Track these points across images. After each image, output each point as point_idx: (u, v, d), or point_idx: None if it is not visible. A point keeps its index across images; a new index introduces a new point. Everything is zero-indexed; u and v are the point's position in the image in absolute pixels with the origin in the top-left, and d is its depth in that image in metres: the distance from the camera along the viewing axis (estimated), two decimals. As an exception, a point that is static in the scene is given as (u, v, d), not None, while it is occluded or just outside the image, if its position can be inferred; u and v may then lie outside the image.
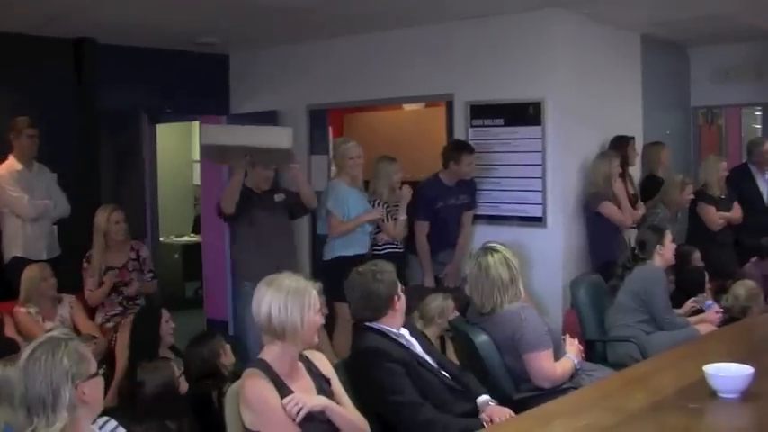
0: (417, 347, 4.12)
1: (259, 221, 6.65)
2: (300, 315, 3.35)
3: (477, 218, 7.56)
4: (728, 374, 3.49)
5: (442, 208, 7.26)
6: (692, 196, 7.67)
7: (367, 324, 4.04)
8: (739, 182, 8.24)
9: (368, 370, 3.89)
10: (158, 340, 5.26)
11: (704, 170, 8.09)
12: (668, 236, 6.03)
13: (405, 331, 4.14)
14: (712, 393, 3.48)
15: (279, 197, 6.82)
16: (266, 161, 6.62)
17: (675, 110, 9.50)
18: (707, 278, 6.74)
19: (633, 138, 7.84)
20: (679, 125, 9.58)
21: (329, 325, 6.48)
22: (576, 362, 4.57)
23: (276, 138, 6.58)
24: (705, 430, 3.28)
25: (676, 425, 3.24)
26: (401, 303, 4.11)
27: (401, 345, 4.01)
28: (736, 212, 7.88)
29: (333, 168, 7.80)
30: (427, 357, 4.11)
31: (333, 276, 6.75)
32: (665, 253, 5.98)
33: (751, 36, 8.77)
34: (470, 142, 7.47)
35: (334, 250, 6.92)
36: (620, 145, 7.68)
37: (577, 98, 7.45)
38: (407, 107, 9.89)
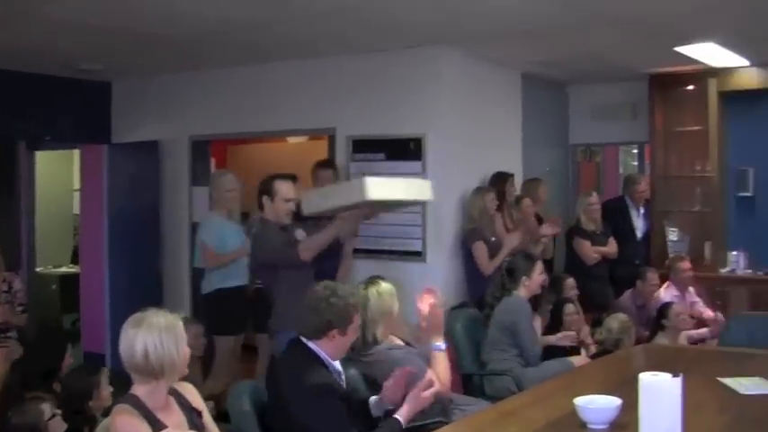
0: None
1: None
2: (176, 349, 3.30)
3: (358, 252, 7.56)
4: (597, 406, 3.57)
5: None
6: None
7: (306, 343, 3.95)
8: (615, 215, 8.52)
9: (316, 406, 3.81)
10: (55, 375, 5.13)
11: (578, 206, 8.36)
12: (537, 267, 6.06)
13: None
14: (582, 425, 3.56)
15: (300, 234, 5.93)
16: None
17: (555, 147, 9.75)
18: (579, 310, 6.87)
19: (512, 174, 7.99)
20: (558, 162, 9.83)
21: (207, 358, 6.42)
22: (442, 347, 4.48)
23: (419, 191, 5.72)
24: (574, 461, 3.34)
25: (547, 457, 3.29)
26: (346, 339, 4.00)
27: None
28: (611, 247, 8.11)
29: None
30: None
31: (212, 310, 6.72)
32: (530, 285, 6.00)
33: (626, 77, 9.09)
34: (352, 176, 7.52)
35: (212, 283, 6.80)
36: (499, 181, 7.82)
37: (458, 134, 7.57)
38: (291, 140, 9.91)
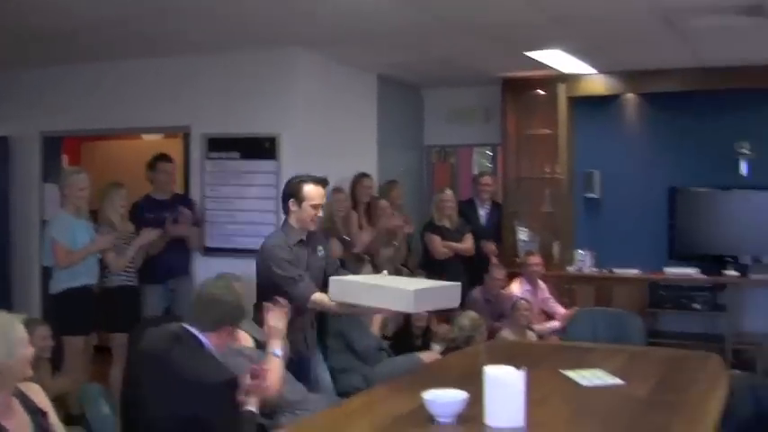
0: None
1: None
2: (8, 352, 3.19)
3: (211, 250, 7.56)
4: (444, 400, 3.66)
5: (152, 219, 7.17)
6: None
7: (197, 335, 3.88)
8: (467, 213, 8.71)
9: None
10: None
11: (432, 203, 8.60)
12: (363, 268, 6.08)
13: None
14: (430, 419, 3.63)
15: (321, 252, 5.43)
16: None
17: (410, 148, 9.89)
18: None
19: (368, 174, 8.05)
20: (413, 162, 9.98)
21: (57, 359, 6.26)
22: (279, 353, 4.40)
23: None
24: (421, 454, 3.40)
25: (395, 450, 3.35)
26: (231, 339, 3.97)
27: None
28: (465, 243, 8.28)
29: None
30: None
31: (61, 310, 6.54)
32: None
33: (480, 81, 9.30)
34: (207, 174, 7.49)
35: (60, 282, 6.56)
36: (355, 181, 7.90)
37: (314, 135, 7.60)
38: (146, 137, 9.75)
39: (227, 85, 7.66)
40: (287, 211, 5.24)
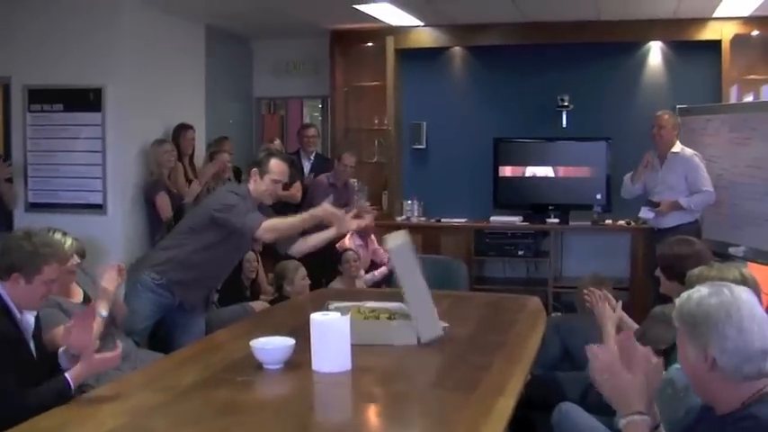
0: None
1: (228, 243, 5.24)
2: None
3: (35, 206, 7.35)
4: (272, 347, 3.72)
5: None
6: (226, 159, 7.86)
7: None
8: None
9: None
10: None
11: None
12: None
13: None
14: (259, 366, 3.69)
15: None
16: None
17: (239, 100, 9.83)
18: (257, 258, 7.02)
19: (191, 126, 7.94)
20: (242, 115, 9.91)
21: None
22: (104, 315, 4.34)
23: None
24: (250, 400, 3.43)
25: (224, 397, 3.37)
26: (32, 289, 3.68)
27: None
28: (292, 191, 8.27)
29: None
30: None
31: None
32: None
33: (309, 33, 9.29)
34: (29, 128, 7.26)
35: None
36: (179, 133, 7.79)
37: (139, 86, 7.47)
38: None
39: (50, 34, 7.39)
40: (249, 178, 5.22)
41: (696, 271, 3.33)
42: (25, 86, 7.45)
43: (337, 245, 7.89)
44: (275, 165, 5.14)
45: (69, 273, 4.43)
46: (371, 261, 8.04)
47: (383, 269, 7.86)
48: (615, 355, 2.49)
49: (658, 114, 7.54)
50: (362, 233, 8.02)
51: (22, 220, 7.32)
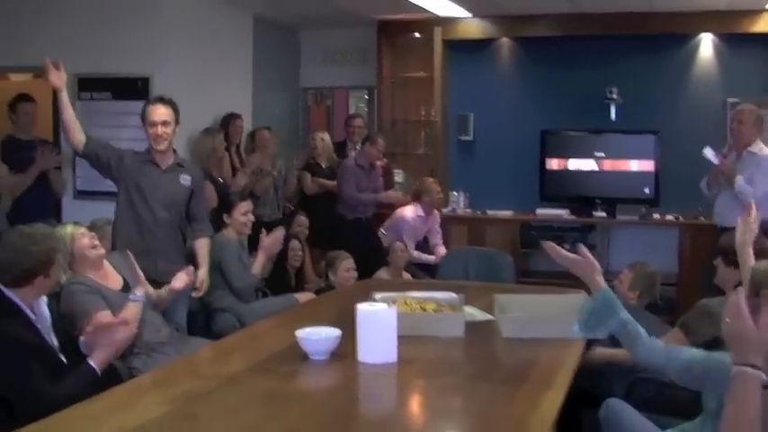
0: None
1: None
2: None
3: (82, 193, 7.41)
4: (317, 338, 3.69)
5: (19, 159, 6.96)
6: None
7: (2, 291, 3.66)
8: (340, 154, 8.70)
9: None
10: None
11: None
12: (240, 207, 6.03)
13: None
14: (304, 356, 3.67)
15: (186, 182, 5.43)
16: None
17: (286, 90, 9.84)
18: (304, 247, 7.02)
19: (239, 115, 7.96)
20: (289, 105, 9.92)
21: None
22: (138, 298, 4.37)
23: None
24: (295, 390, 3.42)
25: (269, 387, 3.37)
26: (50, 280, 3.76)
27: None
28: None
29: None
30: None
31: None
32: (233, 223, 6.03)
33: (356, 22, 9.27)
34: (78, 115, 7.27)
35: None
36: (228, 122, 7.83)
37: (187, 75, 7.49)
38: (14, 77, 9.42)
39: (99, 24, 7.44)
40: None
41: (762, 266, 3.18)
42: (75, 75, 7.49)
43: (397, 211, 7.93)
44: (148, 109, 5.29)
45: (92, 248, 4.46)
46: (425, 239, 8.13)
47: (432, 258, 7.88)
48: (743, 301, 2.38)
49: (738, 108, 7.16)
50: (428, 207, 8.03)
51: (71, 207, 7.38)
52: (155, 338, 4.46)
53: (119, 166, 5.25)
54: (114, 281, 4.58)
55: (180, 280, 4.71)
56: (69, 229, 4.45)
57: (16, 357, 3.44)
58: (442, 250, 8.08)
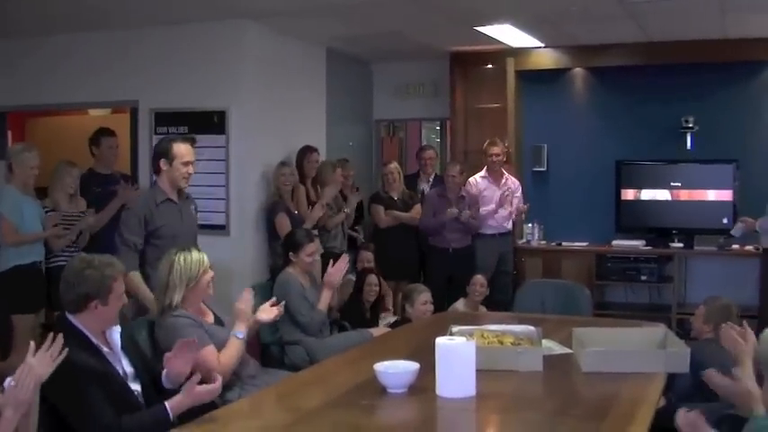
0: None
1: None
2: None
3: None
4: (396, 371, 3.69)
5: (100, 193, 7.09)
6: (341, 178, 8.05)
7: (69, 318, 3.66)
8: (414, 186, 8.76)
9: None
10: None
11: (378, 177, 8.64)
12: (308, 248, 5.96)
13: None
14: (382, 390, 3.66)
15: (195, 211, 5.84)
16: None
17: (359, 122, 9.88)
18: (380, 281, 6.99)
19: (314, 149, 7.99)
20: (363, 137, 9.96)
21: (6, 337, 6.19)
22: (240, 336, 4.42)
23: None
24: (374, 424, 3.42)
25: (348, 421, 3.38)
26: (110, 309, 3.73)
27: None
28: (413, 213, 8.27)
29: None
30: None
31: (10, 288, 6.42)
32: (298, 261, 5.97)
33: (428, 55, 9.29)
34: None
35: (9, 260, 6.40)
36: (300, 156, 7.86)
37: (262, 108, 7.58)
38: (93, 113, 9.63)
39: (175, 59, 7.58)
40: (157, 171, 5.44)
41: None
42: (152, 110, 7.64)
43: (468, 182, 8.30)
44: (179, 148, 5.36)
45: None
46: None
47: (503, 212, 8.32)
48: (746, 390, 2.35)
49: None
50: (492, 170, 8.42)
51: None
52: (246, 371, 4.51)
53: (153, 232, 5.36)
54: (209, 316, 4.63)
55: (266, 312, 4.70)
56: (206, 258, 4.52)
57: (74, 381, 3.43)
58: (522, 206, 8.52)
